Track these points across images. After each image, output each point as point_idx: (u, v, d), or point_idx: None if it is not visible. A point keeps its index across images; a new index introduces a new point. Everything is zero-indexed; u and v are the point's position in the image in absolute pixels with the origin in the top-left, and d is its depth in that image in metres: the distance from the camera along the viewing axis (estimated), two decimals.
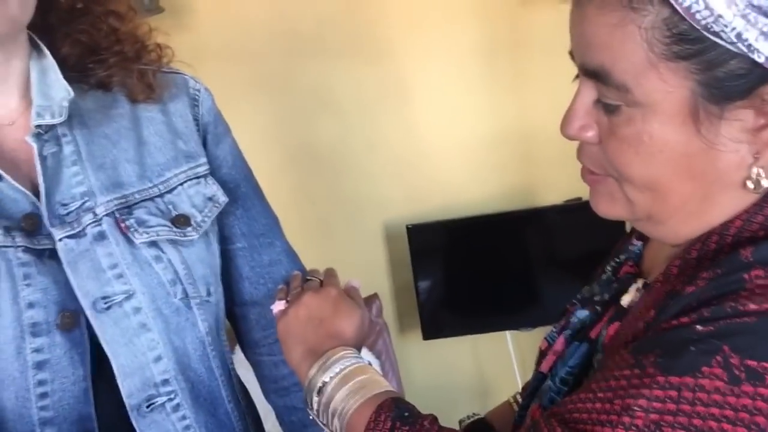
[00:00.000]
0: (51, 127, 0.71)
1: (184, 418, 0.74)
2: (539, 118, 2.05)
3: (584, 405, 0.51)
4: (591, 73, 0.53)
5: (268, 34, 1.94)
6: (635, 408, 0.47)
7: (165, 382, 0.72)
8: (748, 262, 0.49)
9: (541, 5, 1.97)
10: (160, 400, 0.72)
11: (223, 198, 0.81)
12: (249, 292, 0.87)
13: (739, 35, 0.46)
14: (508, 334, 2.07)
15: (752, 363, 0.45)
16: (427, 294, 2.03)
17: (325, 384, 0.66)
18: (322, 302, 0.74)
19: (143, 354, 0.71)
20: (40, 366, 0.66)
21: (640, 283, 0.61)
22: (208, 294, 0.77)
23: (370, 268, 2.12)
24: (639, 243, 0.69)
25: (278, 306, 0.76)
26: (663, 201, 0.54)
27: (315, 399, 0.66)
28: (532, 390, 0.69)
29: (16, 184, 0.68)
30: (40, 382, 0.66)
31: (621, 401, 0.48)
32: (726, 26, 0.46)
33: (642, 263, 0.67)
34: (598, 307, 0.66)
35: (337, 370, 0.66)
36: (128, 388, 0.70)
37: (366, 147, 2.05)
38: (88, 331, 0.69)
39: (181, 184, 0.78)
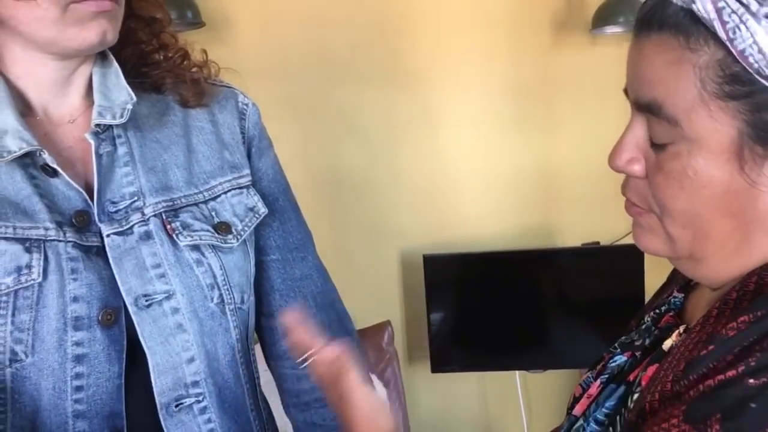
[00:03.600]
0: (108, 128, 0.74)
1: (210, 421, 0.75)
2: (563, 159, 2.07)
3: None
4: (644, 107, 0.55)
5: (302, 56, 1.98)
6: None
7: (195, 383, 0.74)
8: None
9: (573, 46, 2.00)
10: (188, 401, 0.73)
11: (263, 209, 0.83)
12: (278, 304, 0.88)
13: None
14: (517, 375, 2.05)
15: None
16: (438, 326, 2.02)
17: None
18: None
19: (177, 354, 0.72)
20: (78, 359, 0.67)
21: (681, 328, 0.62)
22: (242, 301, 0.79)
23: (384, 295, 2.12)
24: (680, 295, 0.69)
25: None
26: (704, 238, 0.55)
27: None
28: None
29: (71, 182, 0.70)
30: (77, 375, 0.67)
31: None
32: None
33: (684, 315, 0.67)
34: (637, 353, 0.66)
35: None
36: (161, 386, 0.71)
37: (389, 174, 2.07)
38: (125, 329, 0.70)
39: (225, 192, 0.80)
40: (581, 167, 2.05)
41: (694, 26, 0.50)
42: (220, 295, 0.76)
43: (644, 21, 0.55)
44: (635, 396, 0.60)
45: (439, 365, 2.04)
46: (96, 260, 0.70)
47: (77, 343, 0.67)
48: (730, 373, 0.48)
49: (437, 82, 2.02)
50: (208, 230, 0.76)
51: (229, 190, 0.80)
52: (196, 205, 0.77)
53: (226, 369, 0.77)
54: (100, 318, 0.68)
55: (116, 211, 0.72)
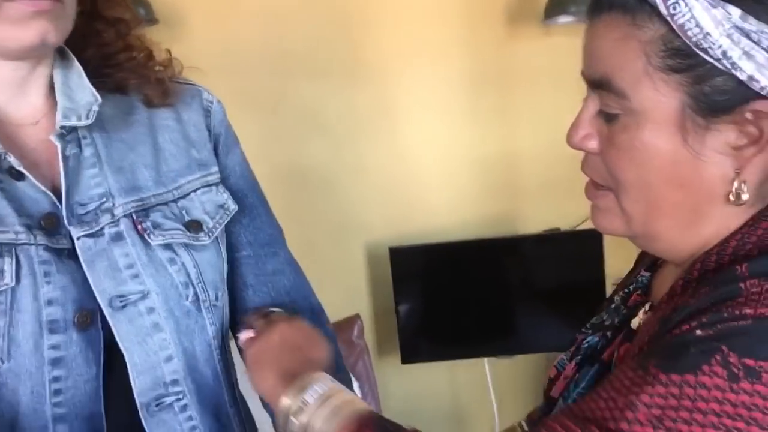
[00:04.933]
0: (72, 129, 0.73)
1: (191, 418, 0.75)
2: (522, 147, 2.10)
3: (590, 404, 0.54)
4: (596, 83, 0.58)
5: (260, 51, 1.97)
6: (638, 404, 0.50)
7: (174, 382, 0.74)
8: (743, 275, 0.53)
9: (527, 37, 2.04)
10: (168, 399, 0.73)
11: (233, 206, 0.83)
12: (252, 299, 0.88)
13: (724, 53, 0.51)
14: (485, 361, 2.08)
15: (750, 362, 0.48)
16: (406, 317, 2.04)
17: (305, 404, 0.65)
18: (296, 330, 0.76)
19: (155, 353, 0.72)
20: (56, 363, 0.67)
21: (647, 306, 0.65)
22: (216, 299, 0.79)
23: (352, 289, 2.13)
24: (647, 274, 0.72)
25: (246, 334, 0.77)
26: (655, 211, 0.58)
27: (293, 420, 0.66)
28: (542, 415, 0.71)
29: (38, 184, 0.69)
30: (56, 379, 0.67)
31: (624, 398, 0.51)
32: (713, 44, 0.51)
33: (650, 293, 0.70)
34: (608, 333, 0.69)
35: (319, 391, 0.66)
36: (140, 386, 0.71)
37: (352, 168, 2.08)
38: (102, 331, 0.70)
39: (195, 190, 0.80)
40: (540, 155, 2.09)
41: (639, 5, 0.54)
42: (195, 293, 0.76)
43: (596, 3, 0.58)
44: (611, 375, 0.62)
45: (409, 356, 2.06)
46: (68, 262, 0.69)
47: (54, 347, 0.67)
48: (684, 327, 0.52)
49: (397, 75, 2.04)
50: (179, 229, 0.76)
51: (199, 188, 0.80)
52: (165, 204, 0.77)
53: (204, 366, 0.77)
54: (75, 320, 0.68)
55: (85, 213, 0.71)
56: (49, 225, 0.69)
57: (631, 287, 0.73)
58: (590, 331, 0.73)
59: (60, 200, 0.70)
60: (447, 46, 2.03)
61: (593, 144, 0.60)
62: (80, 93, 0.73)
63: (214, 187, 0.82)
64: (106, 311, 0.69)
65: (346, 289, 2.11)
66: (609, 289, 2.05)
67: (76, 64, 0.75)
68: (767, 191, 0.57)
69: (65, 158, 0.71)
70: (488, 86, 2.07)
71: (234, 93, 1.95)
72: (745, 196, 0.55)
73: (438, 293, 2.08)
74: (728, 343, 0.49)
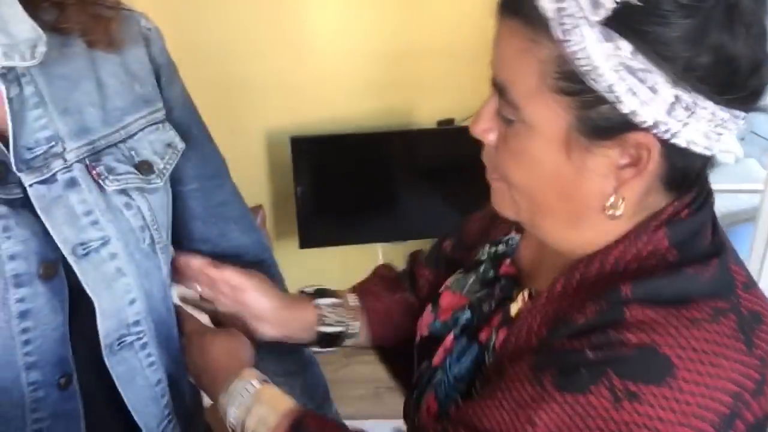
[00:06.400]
0: (11, 68, 0.67)
1: (149, 355, 0.78)
2: (422, 38, 2.11)
3: (492, 412, 0.59)
4: (496, 86, 0.60)
5: None
6: (536, 420, 0.55)
7: (136, 323, 0.76)
8: (627, 298, 0.57)
9: None
10: (129, 338, 0.75)
11: (180, 144, 0.81)
12: (201, 230, 0.89)
13: (610, 86, 0.52)
14: (379, 248, 2.21)
15: (631, 385, 0.53)
16: (305, 204, 2.09)
17: (239, 406, 0.75)
18: (230, 339, 0.85)
19: (120, 298, 0.73)
20: (23, 315, 0.67)
21: (526, 293, 0.69)
22: (167, 238, 0.80)
23: (251, 177, 2.13)
24: (516, 236, 0.77)
25: (194, 289, 0.89)
26: (537, 208, 0.63)
27: (230, 419, 0.76)
28: (426, 381, 0.76)
29: None
30: (24, 330, 0.67)
31: (524, 413, 0.56)
32: (602, 76, 0.52)
33: (520, 262, 0.75)
34: (485, 309, 0.74)
35: (249, 390, 0.75)
36: (106, 329, 0.73)
37: (252, 54, 2.00)
38: (65, 279, 0.70)
39: (142, 129, 0.77)
40: (439, 45, 2.12)
41: (540, 20, 0.54)
42: (151, 235, 0.76)
43: (503, 4, 0.58)
44: (490, 359, 0.68)
45: (306, 241, 2.14)
46: (25, 214, 0.67)
47: (20, 300, 0.66)
48: (576, 345, 0.57)
49: None
50: (132, 172, 0.74)
51: (146, 127, 0.77)
52: (115, 145, 0.74)
53: (160, 305, 0.80)
54: (41, 272, 0.67)
55: (33, 158, 0.68)
56: None
57: (500, 248, 0.77)
58: (467, 309, 0.76)
59: (7, 146, 0.66)
60: None
61: (491, 137, 0.62)
62: (18, 26, 0.66)
63: (160, 125, 0.79)
64: (70, 259, 0.69)
65: (246, 177, 2.10)
66: None
67: None
68: (648, 204, 0.60)
69: (9, 101, 0.66)
70: None
71: None
72: (618, 212, 0.58)
73: (336, 182, 2.15)
74: (613, 367, 0.54)
